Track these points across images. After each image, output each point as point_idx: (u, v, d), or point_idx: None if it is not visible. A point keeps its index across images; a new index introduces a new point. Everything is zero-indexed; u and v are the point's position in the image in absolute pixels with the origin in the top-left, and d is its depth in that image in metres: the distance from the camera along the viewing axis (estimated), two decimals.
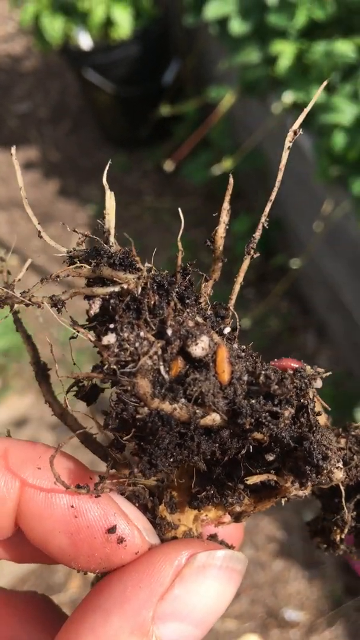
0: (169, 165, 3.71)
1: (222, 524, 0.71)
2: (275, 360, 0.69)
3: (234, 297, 0.70)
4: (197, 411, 0.59)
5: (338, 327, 3.41)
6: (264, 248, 3.85)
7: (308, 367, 0.66)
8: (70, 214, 4.58)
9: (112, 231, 0.66)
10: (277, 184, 0.69)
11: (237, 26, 3.01)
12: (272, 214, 3.74)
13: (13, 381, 3.59)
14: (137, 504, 0.67)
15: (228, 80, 3.40)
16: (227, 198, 0.71)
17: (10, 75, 5.79)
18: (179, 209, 0.76)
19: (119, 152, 4.93)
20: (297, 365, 0.67)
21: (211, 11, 3.05)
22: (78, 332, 0.60)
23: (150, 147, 4.79)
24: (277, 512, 3.04)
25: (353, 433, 0.72)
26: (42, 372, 0.71)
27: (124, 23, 4.03)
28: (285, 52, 2.85)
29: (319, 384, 0.63)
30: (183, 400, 0.59)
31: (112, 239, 0.66)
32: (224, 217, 0.72)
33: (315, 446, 0.60)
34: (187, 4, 3.36)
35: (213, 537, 0.72)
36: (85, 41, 4.20)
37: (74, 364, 0.63)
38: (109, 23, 4.06)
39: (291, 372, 0.64)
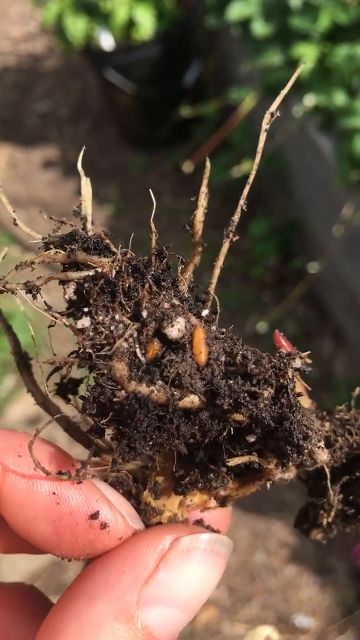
0: (188, 167, 3.71)
1: (207, 509, 0.71)
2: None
3: (214, 281, 0.69)
4: (175, 393, 0.58)
5: (355, 332, 3.39)
6: (281, 251, 3.84)
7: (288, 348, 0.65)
8: None
9: (89, 218, 0.66)
10: (255, 167, 0.69)
11: (260, 28, 3.00)
12: (291, 216, 3.74)
13: None
14: (121, 491, 0.67)
15: (249, 82, 3.39)
16: (205, 182, 0.71)
17: (32, 74, 5.82)
18: (150, 190, 0.76)
19: (138, 153, 4.94)
20: (284, 342, 0.66)
21: (234, 12, 3.04)
22: (52, 317, 0.60)
23: (169, 148, 4.79)
24: (290, 517, 3.02)
25: (337, 416, 0.72)
26: (23, 362, 0.70)
27: (146, 24, 4.03)
28: (307, 55, 2.83)
29: (297, 363, 0.62)
30: (160, 382, 0.58)
31: (89, 225, 0.66)
32: (202, 201, 0.72)
33: (295, 426, 0.59)
34: (210, 5, 3.36)
35: (199, 522, 0.72)
36: (107, 41, 4.21)
37: (54, 354, 0.62)
38: (131, 24, 4.06)
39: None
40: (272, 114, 0.70)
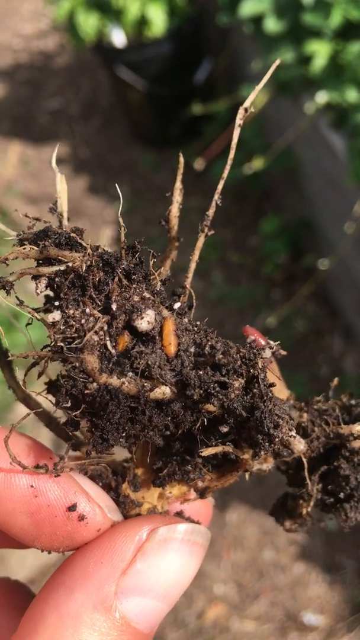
0: (199, 164, 3.70)
1: (187, 500, 0.72)
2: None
3: (190, 275, 0.70)
4: (146, 384, 0.59)
5: None
6: (292, 248, 3.83)
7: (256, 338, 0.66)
8: (98, 210, 4.60)
9: (65, 214, 0.67)
10: (229, 161, 0.70)
11: (272, 25, 2.99)
12: (301, 213, 3.73)
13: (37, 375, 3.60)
14: (100, 483, 0.68)
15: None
16: (179, 177, 0.72)
17: (43, 71, 5.83)
18: (116, 185, 0.76)
19: (148, 150, 4.94)
20: (256, 335, 0.67)
21: (246, 9, 3.04)
22: (24, 312, 0.61)
23: (180, 145, 4.79)
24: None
25: (315, 407, 0.72)
26: (4, 359, 0.71)
27: (158, 21, 4.03)
28: (320, 52, 2.83)
29: (267, 353, 0.62)
30: (131, 374, 0.59)
31: (65, 221, 0.66)
32: (177, 197, 0.72)
33: (266, 415, 0.59)
34: (222, 3, 3.35)
35: (179, 514, 0.72)
36: (118, 38, 4.21)
37: (35, 348, 0.63)
38: (143, 21, 4.06)
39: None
40: (246, 110, 0.70)
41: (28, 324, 0.64)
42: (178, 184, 0.72)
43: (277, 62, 0.74)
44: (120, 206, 0.72)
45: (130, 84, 4.42)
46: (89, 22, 3.98)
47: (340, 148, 2.88)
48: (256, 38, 3.18)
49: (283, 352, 0.65)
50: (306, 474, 0.70)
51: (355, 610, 2.78)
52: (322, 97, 2.87)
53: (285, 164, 3.49)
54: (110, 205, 4.62)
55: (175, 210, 0.72)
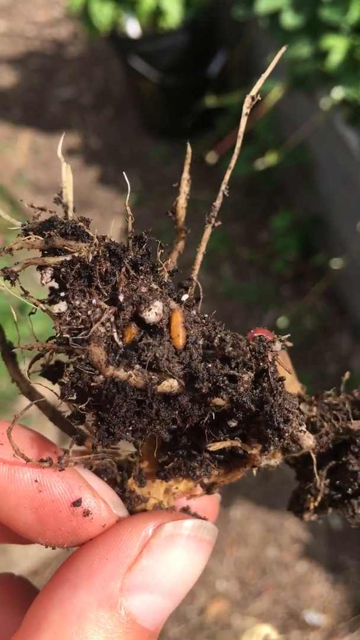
0: (211, 157, 3.68)
1: (194, 496, 0.71)
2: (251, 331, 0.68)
3: (196, 267, 0.69)
4: (153, 377, 0.58)
5: None
6: (303, 245, 3.80)
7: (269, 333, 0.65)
8: (108, 202, 4.58)
9: (71, 205, 0.66)
10: (236, 151, 0.69)
11: (289, 19, 2.96)
12: (313, 210, 3.70)
13: None
14: (105, 478, 0.67)
15: (276, 73, 3.35)
16: (187, 168, 0.70)
17: (55, 60, 5.80)
18: (124, 174, 0.76)
19: (160, 142, 4.91)
20: (263, 332, 0.66)
21: (264, 4, 3.00)
22: (29, 302, 0.60)
23: (192, 138, 4.74)
24: None
25: (325, 401, 0.72)
26: (8, 352, 0.70)
27: (173, 12, 3.99)
28: (336, 47, 2.79)
29: (277, 347, 0.61)
30: (138, 366, 0.58)
31: (70, 212, 0.66)
32: (184, 187, 0.71)
33: (276, 409, 0.58)
34: None
35: (186, 510, 0.71)
36: (133, 28, 4.18)
37: (37, 340, 0.62)
38: (158, 11, 4.02)
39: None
40: (252, 98, 0.69)
41: (31, 313, 0.63)
42: (186, 175, 0.71)
43: (283, 49, 0.73)
44: (128, 196, 0.69)
45: (144, 74, 4.38)
46: (103, 12, 3.95)
47: (355, 145, 2.85)
48: (272, 32, 3.14)
49: (289, 344, 0.63)
50: (315, 469, 0.69)
51: (358, 611, 2.77)
52: (338, 93, 2.84)
53: (299, 159, 3.46)
54: (120, 197, 4.60)
55: (182, 201, 0.71)
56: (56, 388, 0.68)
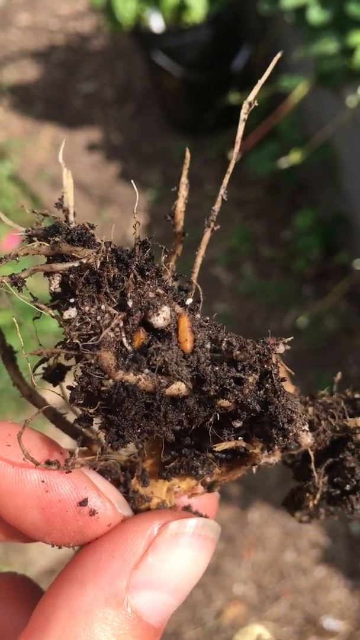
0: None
1: (195, 494, 0.72)
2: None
3: (196, 270, 0.70)
4: (162, 381, 0.59)
5: None
6: (325, 244, 3.75)
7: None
8: (129, 197, 4.55)
9: (72, 209, 0.67)
10: (234, 155, 0.70)
11: (316, 15, 2.91)
12: (337, 209, 3.64)
13: None
14: (109, 479, 0.68)
15: (301, 69, 3.30)
16: (185, 172, 0.72)
17: (78, 54, 5.78)
18: (132, 182, 0.76)
19: (182, 138, 4.88)
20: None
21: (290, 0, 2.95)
22: (39, 308, 0.61)
23: (214, 134, 4.71)
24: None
25: (320, 401, 0.73)
26: (8, 355, 0.71)
27: (197, 6, 3.95)
28: None
29: (281, 349, 0.63)
30: (147, 370, 0.59)
31: (71, 217, 0.67)
32: (183, 191, 0.72)
33: (280, 410, 0.60)
34: None
35: (187, 508, 0.73)
36: (156, 23, 4.14)
37: (40, 344, 0.63)
38: (182, 6, 3.98)
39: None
40: (250, 104, 0.70)
41: (35, 318, 0.64)
42: (184, 179, 0.72)
43: (279, 55, 0.73)
44: (137, 202, 0.70)
45: (167, 69, 4.35)
46: (127, 6, 3.91)
47: None
48: (298, 27, 3.09)
49: (287, 347, 0.65)
50: (313, 467, 0.71)
51: None
52: None
53: (323, 157, 3.40)
54: (141, 193, 4.57)
55: (181, 205, 0.72)
56: (58, 390, 0.70)
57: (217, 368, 0.60)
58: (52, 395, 0.70)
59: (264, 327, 3.69)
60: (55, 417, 0.72)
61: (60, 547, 0.64)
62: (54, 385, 0.70)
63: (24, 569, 2.81)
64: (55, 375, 0.70)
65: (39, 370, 0.67)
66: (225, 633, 2.79)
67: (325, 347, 3.51)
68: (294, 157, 3.28)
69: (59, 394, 0.69)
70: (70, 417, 0.71)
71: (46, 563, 2.87)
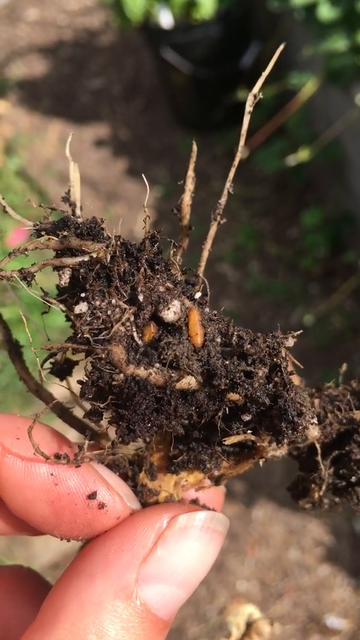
0: (242, 152, 3.62)
1: (202, 488, 0.72)
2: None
3: (202, 264, 0.70)
4: (173, 375, 0.59)
5: None
6: (333, 243, 3.74)
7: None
8: (136, 194, 4.55)
9: (79, 203, 0.67)
10: (240, 149, 0.69)
11: (326, 12, 2.89)
12: (345, 207, 3.62)
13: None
14: (117, 473, 0.69)
15: (310, 67, 3.28)
16: (192, 166, 0.72)
17: (86, 49, 5.77)
18: (143, 175, 0.77)
19: (189, 134, 4.87)
20: None
21: None
22: (49, 303, 0.61)
23: (222, 131, 4.70)
24: (327, 517, 2.97)
25: (326, 393, 0.73)
26: (15, 350, 0.71)
27: (207, 3, 3.94)
28: None
29: (290, 342, 0.63)
30: (158, 364, 0.59)
31: (78, 211, 0.67)
32: (189, 185, 0.72)
33: (290, 403, 0.60)
34: None
35: (194, 501, 0.73)
36: (165, 19, 4.13)
37: (48, 339, 0.64)
38: (191, 2, 3.97)
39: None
40: (255, 96, 0.70)
41: (44, 312, 0.64)
42: (190, 172, 0.72)
43: (281, 47, 0.73)
44: (147, 196, 0.68)
45: (175, 66, 4.34)
46: (136, 2, 3.91)
47: None
48: (308, 24, 3.08)
49: (296, 340, 0.65)
50: (319, 459, 0.71)
51: None
52: None
53: (332, 155, 3.39)
54: (149, 189, 4.56)
55: (187, 198, 0.72)
56: (65, 385, 0.70)
57: (227, 362, 0.61)
58: (58, 389, 0.70)
59: (271, 325, 3.68)
60: (63, 412, 0.72)
61: (68, 540, 0.65)
62: (61, 380, 0.70)
63: (28, 562, 2.82)
64: (62, 370, 0.69)
65: (46, 364, 0.67)
66: (228, 630, 2.79)
67: (332, 345, 3.50)
68: (302, 154, 3.27)
69: (67, 389, 0.69)
70: (77, 412, 0.72)
71: (50, 557, 2.87)
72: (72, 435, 0.71)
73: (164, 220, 4.14)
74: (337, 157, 3.41)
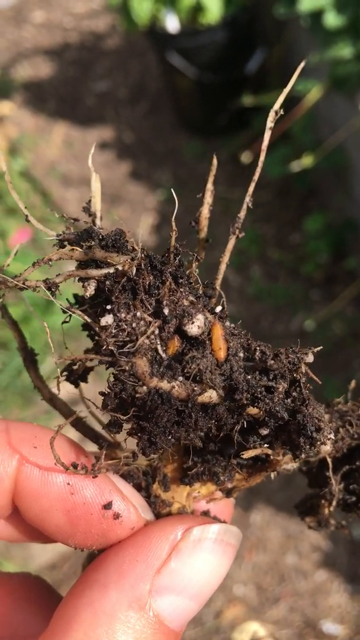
0: (246, 157, 3.64)
1: (214, 500, 0.73)
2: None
3: (220, 277, 0.70)
4: (195, 388, 0.60)
5: None
6: (335, 249, 3.75)
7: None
8: (140, 197, 4.56)
9: (99, 214, 0.67)
10: (260, 164, 0.70)
11: (332, 19, 2.91)
12: (347, 214, 3.63)
13: None
14: (131, 483, 0.69)
15: (316, 74, 3.30)
16: (211, 179, 0.71)
17: (92, 52, 5.79)
18: (172, 190, 0.77)
19: (194, 139, 4.88)
20: None
21: (306, 3, 2.95)
22: (74, 314, 0.61)
23: (227, 136, 4.71)
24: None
25: (336, 408, 0.74)
26: (30, 358, 0.71)
27: (213, 8, 3.95)
28: None
29: (310, 358, 0.63)
30: (181, 378, 0.59)
31: (98, 221, 0.66)
32: (208, 198, 0.72)
33: (309, 419, 0.61)
34: None
35: (206, 513, 0.73)
36: (172, 24, 4.15)
37: (66, 347, 0.64)
38: (198, 7, 3.99)
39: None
40: (275, 112, 0.70)
41: (64, 322, 0.64)
42: (209, 186, 0.72)
43: (303, 63, 0.73)
44: (175, 211, 0.67)
45: (181, 70, 4.35)
46: (142, 6, 3.92)
47: None
48: (313, 31, 3.09)
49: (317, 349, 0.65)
50: (330, 474, 0.71)
51: None
52: None
53: (335, 162, 3.40)
54: (151, 192, 4.58)
55: (205, 211, 0.72)
56: (80, 391, 0.70)
57: (249, 377, 0.61)
58: (65, 393, 0.70)
59: (271, 329, 3.69)
60: (77, 421, 0.72)
61: (82, 550, 0.65)
62: (76, 387, 0.70)
63: (25, 563, 2.82)
64: (77, 377, 0.70)
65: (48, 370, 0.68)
66: (224, 633, 2.79)
67: (332, 351, 3.51)
68: (306, 160, 3.28)
69: (82, 397, 0.69)
70: (91, 421, 0.72)
71: (48, 558, 2.87)
72: (72, 435, 0.71)
73: (167, 223, 4.15)
74: (341, 164, 3.42)
